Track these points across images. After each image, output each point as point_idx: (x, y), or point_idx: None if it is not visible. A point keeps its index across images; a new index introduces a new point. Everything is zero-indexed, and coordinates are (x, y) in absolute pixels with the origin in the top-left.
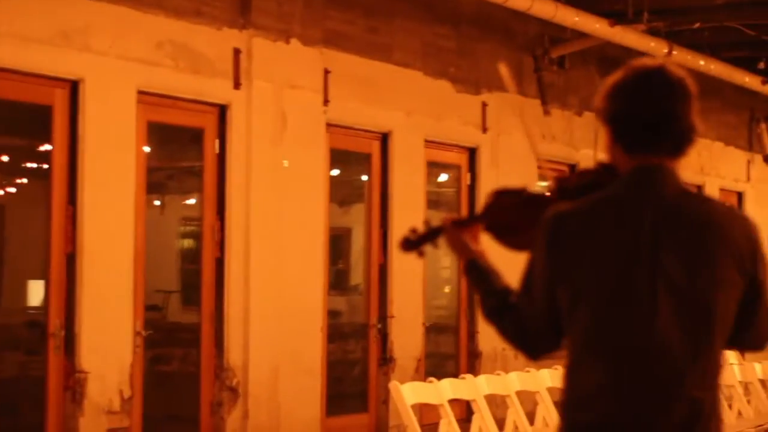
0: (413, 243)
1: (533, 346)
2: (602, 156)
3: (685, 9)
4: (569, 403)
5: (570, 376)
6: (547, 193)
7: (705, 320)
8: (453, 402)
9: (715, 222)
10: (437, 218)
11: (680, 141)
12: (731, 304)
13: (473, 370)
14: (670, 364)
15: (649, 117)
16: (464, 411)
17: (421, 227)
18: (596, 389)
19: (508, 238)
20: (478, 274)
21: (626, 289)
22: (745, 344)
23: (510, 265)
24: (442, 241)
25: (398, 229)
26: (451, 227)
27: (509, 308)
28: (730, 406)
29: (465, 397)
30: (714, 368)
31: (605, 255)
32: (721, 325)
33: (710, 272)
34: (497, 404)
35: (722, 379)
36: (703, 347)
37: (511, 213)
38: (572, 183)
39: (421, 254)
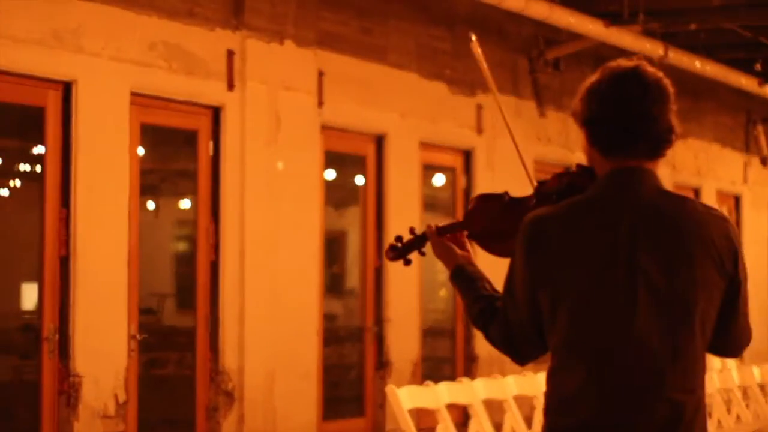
0: (399, 251)
1: (519, 352)
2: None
3: (681, 10)
4: (551, 407)
5: (552, 380)
6: (528, 198)
7: (685, 321)
8: (450, 406)
9: (694, 223)
10: (431, 221)
11: (657, 142)
12: (712, 306)
13: (470, 373)
14: (649, 366)
15: (625, 119)
16: (461, 415)
17: (406, 235)
18: (577, 392)
19: (493, 245)
20: (463, 281)
21: (605, 292)
22: (721, 349)
23: (500, 268)
24: (427, 249)
25: (394, 232)
26: (435, 234)
27: (495, 314)
28: (728, 411)
29: (462, 401)
30: (696, 370)
31: (583, 258)
32: (702, 326)
33: (689, 273)
34: (494, 408)
35: (704, 381)
36: (683, 348)
37: (492, 219)
38: (551, 186)
39: (407, 263)
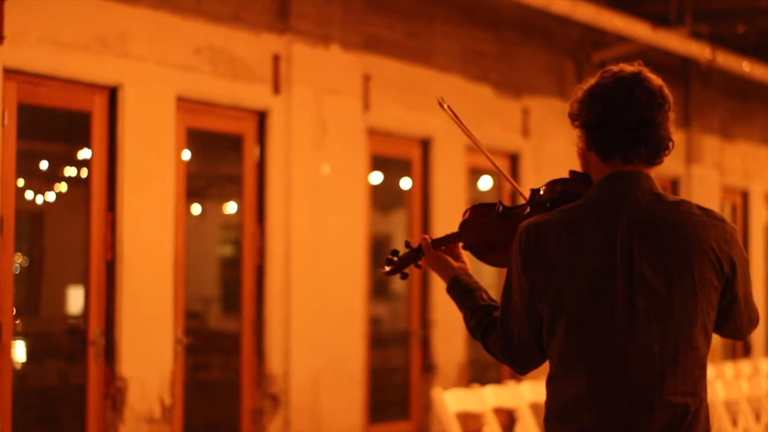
0: (395, 266)
1: (518, 360)
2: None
3: (729, 12)
4: (551, 414)
5: (551, 388)
6: (522, 206)
7: (684, 325)
8: (496, 410)
9: (691, 226)
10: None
11: (658, 149)
12: (711, 307)
13: (516, 377)
14: (648, 371)
15: (628, 124)
16: (508, 419)
17: (402, 249)
18: (576, 399)
19: (489, 256)
20: (459, 293)
21: (602, 297)
22: (727, 333)
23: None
24: (423, 262)
25: (440, 235)
26: (431, 247)
27: (492, 324)
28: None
29: (508, 404)
30: (696, 374)
31: (581, 264)
32: (703, 328)
33: (687, 277)
34: (540, 412)
35: (705, 383)
36: (682, 352)
37: (487, 229)
38: (544, 194)
39: (404, 276)
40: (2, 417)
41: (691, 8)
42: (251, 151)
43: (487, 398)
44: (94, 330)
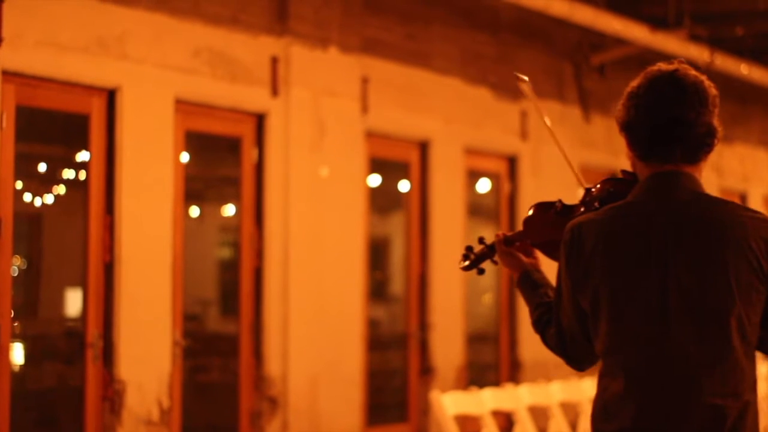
0: (472, 262)
1: (573, 357)
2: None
3: (728, 15)
4: (595, 412)
5: (598, 385)
6: (577, 205)
7: (719, 326)
8: (494, 413)
9: (729, 226)
10: (476, 228)
11: (694, 147)
12: (752, 310)
13: (515, 379)
14: (685, 372)
15: (659, 124)
16: (506, 422)
17: (476, 246)
18: (618, 399)
19: (552, 252)
20: (527, 288)
21: (639, 298)
22: (764, 349)
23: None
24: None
25: (438, 238)
26: (502, 243)
27: (551, 321)
28: None
29: (507, 407)
30: (739, 375)
31: (619, 263)
32: (740, 330)
33: (723, 278)
34: (539, 415)
35: (752, 385)
36: (720, 354)
37: (547, 227)
38: (595, 193)
39: (480, 272)
40: (0, 419)
41: (689, 11)
42: (249, 154)
43: (485, 401)
44: (93, 332)
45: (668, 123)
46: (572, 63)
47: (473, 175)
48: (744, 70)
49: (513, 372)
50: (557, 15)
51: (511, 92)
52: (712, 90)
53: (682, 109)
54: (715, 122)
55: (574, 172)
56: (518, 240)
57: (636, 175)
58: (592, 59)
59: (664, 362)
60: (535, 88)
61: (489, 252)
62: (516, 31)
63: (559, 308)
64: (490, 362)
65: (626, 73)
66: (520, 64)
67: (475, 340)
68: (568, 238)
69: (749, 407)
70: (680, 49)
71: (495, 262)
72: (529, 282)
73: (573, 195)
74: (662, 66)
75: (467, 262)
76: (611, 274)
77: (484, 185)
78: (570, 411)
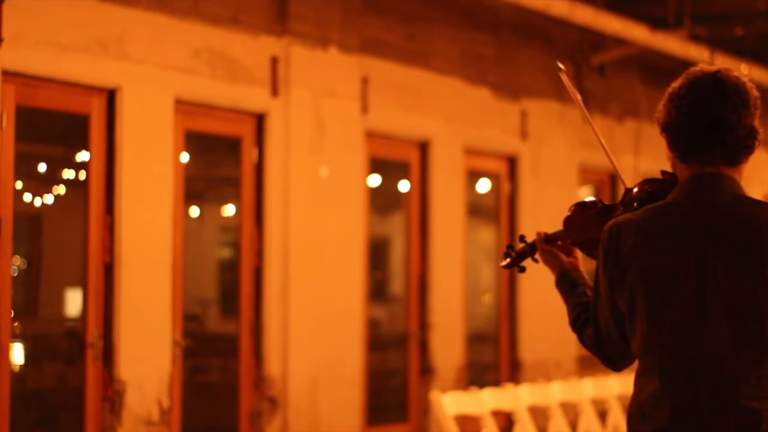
0: (513, 260)
1: (610, 357)
2: (645, 163)
3: (728, 15)
4: (631, 412)
5: (635, 386)
6: (616, 205)
7: (758, 329)
8: (494, 413)
9: None
10: (476, 228)
11: (735, 149)
12: None
13: (515, 380)
14: (720, 374)
15: (699, 125)
16: (506, 422)
17: (517, 244)
18: (653, 399)
19: (592, 252)
20: (565, 287)
21: (674, 299)
22: None
23: None
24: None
25: (438, 238)
26: (542, 241)
27: (589, 320)
28: None
29: (507, 407)
30: None
31: (657, 264)
32: None
33: (762, 280)
34: (539, 415)
35: None
36: (757, 357)
37: (587, 227)
38: (634, 194)
39: (521, 270)
40: (1, 419)
41: (689, 11)
42: (249, 154)
43: (485, 401)
44: (93, 332)
45: (710, 125)
46: (572, 63)
47: (473, 175)
48: (744, 70)
49: (513, 372)
50: (557, 15)
51: (512, 92)
52: (754, 91)
53: (724, 110)
54: (756, 124)
55: (616, 171)
56: (559, 239)
57: (675, 175)
58: (592, 59)
59: (700, 364)
60: (535, 88)
61: (530, 250)
62: (516, 31)
63: (597, 308)
64: (490, 362)
65: (626, 73)
66: (520, 64)
67: (475, 340)
68: (606, 238)
69: None
70: (680, 49)
71: (536, 260)
72: (567, 281)
73: (573, 195)
74: (704, 67)
75: (508, 260)
76: (649, 275)
77: (484, 185)
78: (570, 411)
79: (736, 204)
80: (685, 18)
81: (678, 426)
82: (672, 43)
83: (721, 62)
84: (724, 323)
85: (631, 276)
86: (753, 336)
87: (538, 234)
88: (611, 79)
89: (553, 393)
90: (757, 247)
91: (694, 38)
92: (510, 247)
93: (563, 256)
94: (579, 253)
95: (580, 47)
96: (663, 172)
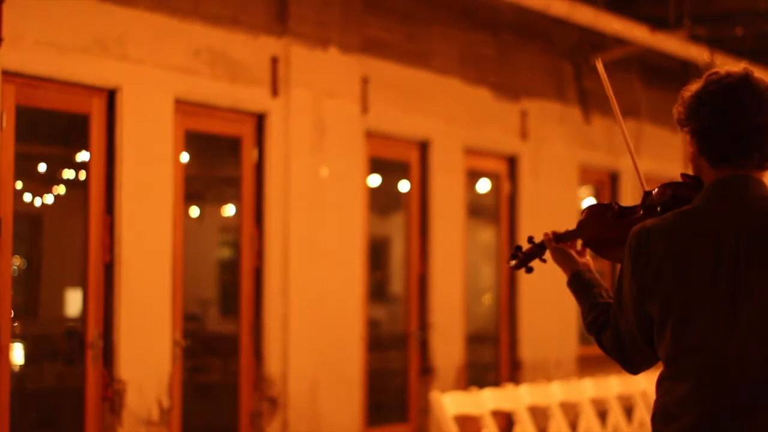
0: (520, 260)
1: (630, 361)
2: (645, 163)
3: (727, 15)
4: (656, 414)
5: (659, 388)
6: (635, 208)
7: None
8: (494, 413)
9: None
10: (476, 228)
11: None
12: None
13: (515, 380)
14: (749, 378)
15: (740, 131)
16: (506, 422)
17: (525, 244)
18: (680, 402)
19: (605, 252)
20: (579, 287)
21: (707, 303)
22: None
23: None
24: (548, 256)
25: (438, 238)
26: (552, 241)
27: (608, 322)
28: None
29: (507, 407)
30: None
31: (687, 269)
32: None
33: None
34: (539, 415)
35: None
36: None
37: (603, 228)
38: (655, 198)
39: (529, 270)
40: (1, 419)
41: (689, 11)
42: (249, 154)
43: (485, 401)
44: (93, 332)
45: (748, 130)
46: (572, 63)
47: (473, 175)
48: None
49: (513, 372)
50: (557, 15)
51: (512, 92)
52: None
53: (762, 116)
54: None
55: (637, 173)
56: (570, 239)
57: (698, 178)
58: (592, 59)
59: (730, 368)
60: (535, 88)
61: (538, 250)
62: (516, 31)
63: (620, 312)
64: (490, 362)
65: (626, 73)
66: (520, 64)
67: (475, 340)
68: (635, 243)
69: None
70: (680, 49)
71: (543, 261)
72: (581, 282)
73: (573, 195)
74: (731, 69)
75: (515, 261)
76: (682, 279)
77: (484, 185)
78: (570, 411)
79: (767, 207)
80: (685, 18)
81: (704, 429)
82: (672, 43)
83: (721, 62)
84: (756, 328)
85: (664, 281)
86: None
87: (546, 234)
88: (611, 79)
89: (553, 393)
90: None
91: (694, 38)
92: (518, 248)
93: (576, 256)
94: (589, 255)
95: (580, 47)
96: (684, 176)
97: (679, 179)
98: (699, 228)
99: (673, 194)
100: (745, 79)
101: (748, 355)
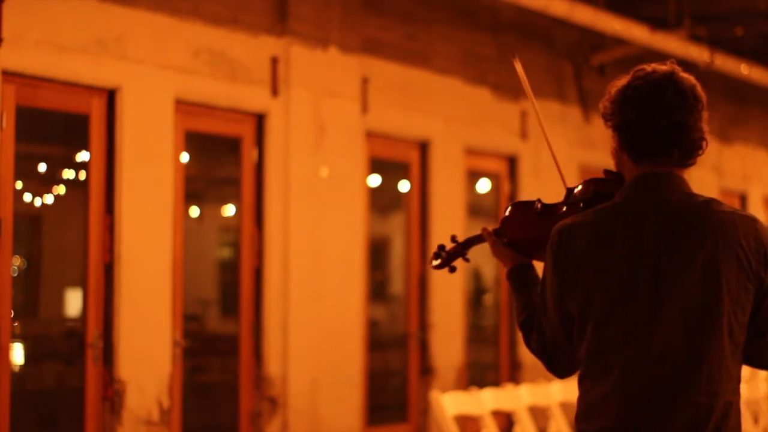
0: (444, 260)
1: (554, 362)
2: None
3: (728, 15)
4: (579, 413)
5: (581, 387)
6: (558, 205)
7: (710, 325)
8: (494, 413)
9: (719, 225)
10: (476, 228)
11: (690, 151)
12: (740, 310)
13: (515, 380)
14: (672, 371)
15: (661, 127)
16: (506, 422)
17: (449, 244)
18: (602, 399)
19: (529, 251)
20: (517, 284)
21: (629, 297)
22: (755, 359)
23: None
24: (471, 254)
25: (438, 238)
26: (492, 235)
27: (537, 323)
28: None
29: (507, 407)
30: (724, 374)
31: (609, 264)
32: (729, 330)
33: (713, 277)
34: (539, 415)
35: (736, 386)
36: (709, 353)
37: (526, 226)
38: (578, 194)
39: (452, 270)
40: (1, 419)
41: (689, 11)
42: (249, 154)
43: (485, 401)
44: (93, 332)
45: (670, 127)
46: (572, 63)
47: (473, 175)
48: (744, 70)
49: (513, 372)
50: (557, 15)
51: (512, 92)
52: (704, 94)
53: (684, 114)
54: (705, 126)
55: (558, 170)
56: (503, 236)
57: (620, 174)
58: (592, 59)
59: (652, 361)
60: (535, 88)
61: (461, 250)
62: (516, 31)
63: (543, 312)
64: (490, 362)
65: (626, 73)
66: (520, 64)
67: (475, 340)
68: (556, 240)
69: (733, 407)
70: (680, 49)
71: (467, 260)
72: (522, 277)
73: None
74: (658, 67)
75: (439, 261)
76: (603, 275)
77: (484, 185)
78: (570, 411)
79: (688, 203)
80: (685, 18)
81: (627, 422)
82: (672, 43)
83: (721, 62)
84: (678, 321)
85: (585, 277)
86: (705, 333)
87: (484, 229)
88: (611, 79)
89: (553, 393)
90: (711, 245)
91: (694, 38)
92: (441, 247)
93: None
94: None
95: (580, 47)
96: (606, 171)
97: (602, 175)
98: (622, 223)
99: (595, 191)
100: (671, 76)
101: (670, 349)
